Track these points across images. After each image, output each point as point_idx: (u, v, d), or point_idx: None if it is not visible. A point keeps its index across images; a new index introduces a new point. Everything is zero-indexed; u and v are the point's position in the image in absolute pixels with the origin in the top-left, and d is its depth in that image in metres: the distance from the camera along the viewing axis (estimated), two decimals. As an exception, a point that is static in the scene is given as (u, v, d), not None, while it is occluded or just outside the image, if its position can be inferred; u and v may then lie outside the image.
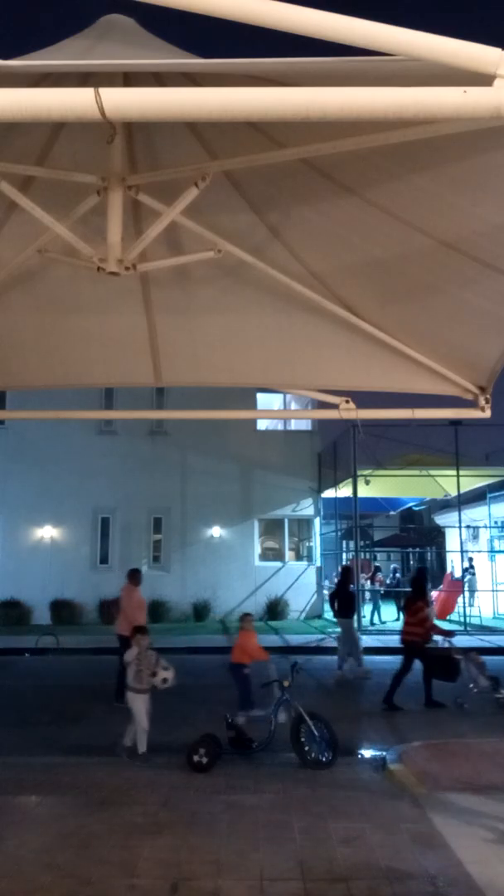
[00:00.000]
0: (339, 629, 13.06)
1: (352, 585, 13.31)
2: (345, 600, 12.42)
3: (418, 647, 9.49)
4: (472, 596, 21.93)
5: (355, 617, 13.30)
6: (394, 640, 15.56)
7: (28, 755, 6.86)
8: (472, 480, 21.64)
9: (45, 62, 3.33)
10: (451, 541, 25.32)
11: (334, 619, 20.64)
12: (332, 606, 13.52)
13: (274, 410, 23.44)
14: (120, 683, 8.87)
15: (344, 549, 28.41)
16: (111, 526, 22.01)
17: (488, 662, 9.60)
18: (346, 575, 13.18)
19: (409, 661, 9.51)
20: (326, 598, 23.53)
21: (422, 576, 10.73)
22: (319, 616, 22.04)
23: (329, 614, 22.01)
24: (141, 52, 3.73)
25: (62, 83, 3.37)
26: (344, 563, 26.55)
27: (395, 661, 13.08)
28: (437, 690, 9.38)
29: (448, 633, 10.15)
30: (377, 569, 23.27)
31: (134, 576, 10.11)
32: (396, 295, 4.96)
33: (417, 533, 34.77)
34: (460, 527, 20.70)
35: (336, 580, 24.22)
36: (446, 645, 9.96)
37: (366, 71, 2.59)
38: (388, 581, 24.66)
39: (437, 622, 10.88)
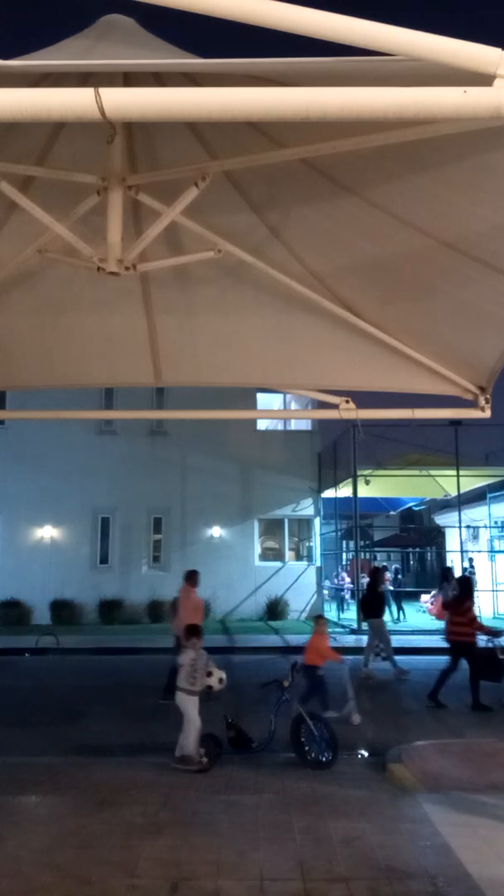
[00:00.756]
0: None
1: (381, 586, 13.33)
2: (374, 601, 12.46)
3: (471, 646, 9.47)
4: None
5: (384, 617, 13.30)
6: (399, 641, 15.60)
7: (28, 755, 6.85)
8: (472, 480, 21.63)
9: (45, 62, 3.33)
10: (451, 541, 25.31)
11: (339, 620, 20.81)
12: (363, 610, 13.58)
13: (274, 410, 23.44)
14: (171, 681, 8.75)
15: (344, 549, 28.40)
16: (111, 526, 22.00)
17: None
18: (376, 576, 13.16)
19: (456, 660, 9.51)
20: (327, 597, 23.60)
21: (468, 577, 10.69)
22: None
23: (329, 614, 22.05)
24: (141, 52, 3.73)
25: (62, 83, 3.37)
26: (343, 562, 26.63)
27: (402, 661, 13.10)
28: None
29: (496, 633, 10.06)
30: (384, 568, 23.26)
31: (191, 577, 9.94)
32: (396, 295, 4.96)
33: (417, 533, 34.76)
34: (460, 527, 20.69)
35: (337, 580, 24.40)
36: (491, 645, 9.86)
37: (366, 71, 2.59)
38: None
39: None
